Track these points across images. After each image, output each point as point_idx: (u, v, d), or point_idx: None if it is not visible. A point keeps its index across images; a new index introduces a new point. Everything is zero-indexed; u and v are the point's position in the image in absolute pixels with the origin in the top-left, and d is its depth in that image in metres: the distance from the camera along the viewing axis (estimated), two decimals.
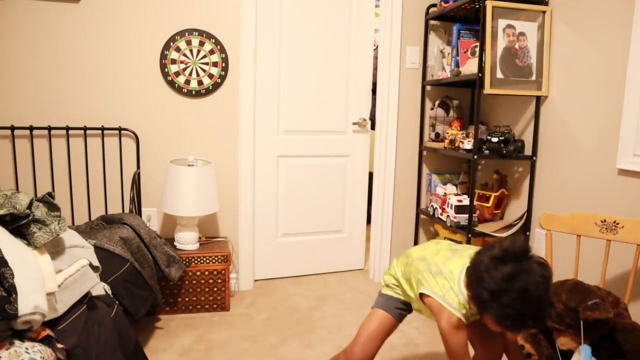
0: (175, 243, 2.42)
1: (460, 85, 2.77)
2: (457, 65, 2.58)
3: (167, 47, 2.49)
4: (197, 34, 2.52)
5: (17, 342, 1.13)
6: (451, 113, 2.77)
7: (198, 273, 2.38)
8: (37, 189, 2.41)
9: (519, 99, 2.42)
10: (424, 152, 2.89)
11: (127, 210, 2.53)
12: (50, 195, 1.48)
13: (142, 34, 2.47)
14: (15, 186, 2.38)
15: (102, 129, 2.46)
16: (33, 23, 2.33)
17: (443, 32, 2.84)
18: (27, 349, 1.13)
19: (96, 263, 1.52)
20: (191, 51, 2.53)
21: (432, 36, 2.82)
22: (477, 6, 2.38)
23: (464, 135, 2.45)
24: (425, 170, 2.92)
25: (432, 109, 2.81)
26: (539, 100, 2.27)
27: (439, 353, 2.08)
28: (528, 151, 2.34)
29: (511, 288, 1.12)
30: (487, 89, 2.18)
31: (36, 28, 2.33)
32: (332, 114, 2.92)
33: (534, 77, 2.24)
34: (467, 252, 1.34)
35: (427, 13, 2.77)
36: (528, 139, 2.35)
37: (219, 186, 2.59)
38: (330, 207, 3.00)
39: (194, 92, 2.57)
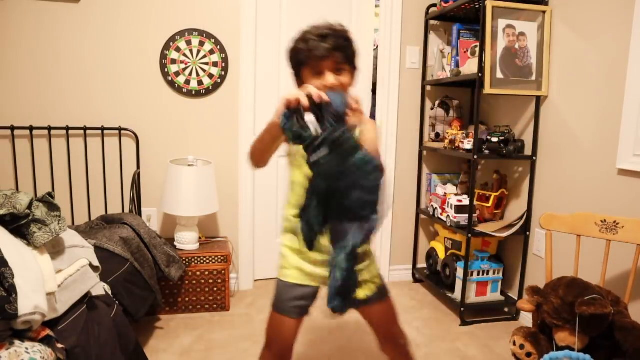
0: (175, 243, 2.42)
1: (460, 85, 2.77)
2: (457, 65, 2.57)
3: (167, 47, 2.49)
4: (197, 34, 2.52)
5: (17, 342, 1.13)
6: (451, 113, 2.77)
7: (198, 273, 2.38)
8: (37, 189, 2.41)
9: (519, 99, 2.42)
10: (424, 152, 2.88)
11: (127, 210, 2.53)
12: (50, 195, 1.48)
13: (142, 34, 2.47)
14: (15, 186, 2.38)
15: (102, 129, 2.46)
16: (33, 23, 2.33)
17: (443, 32, 2.83)
18: (27, 349, 1.13)
19: (96, 263, 1.52)
20: (191, 51, 2.53)
21: (432, 36, 2.82)
22: (477, 6, 2.38)
23: (464, 135, 2.45)
24: (425, 170, 2.92)
25: (432, 109, 2.81)
26: (539, 100, 2.27)
27: (439, 353, 2.08)
28: (528, 151, 2.34)
29: None
30: (487, 89, 2.18)
31: (36, 28, 2.33)
32: None
33: (534, 77, 2.24)
34: None
35: (427, 13, 2.77)
36: (528, 139, 2.34)
37: (219, 186, 2.58)
38: None
39: (194, 92, 2.57)
